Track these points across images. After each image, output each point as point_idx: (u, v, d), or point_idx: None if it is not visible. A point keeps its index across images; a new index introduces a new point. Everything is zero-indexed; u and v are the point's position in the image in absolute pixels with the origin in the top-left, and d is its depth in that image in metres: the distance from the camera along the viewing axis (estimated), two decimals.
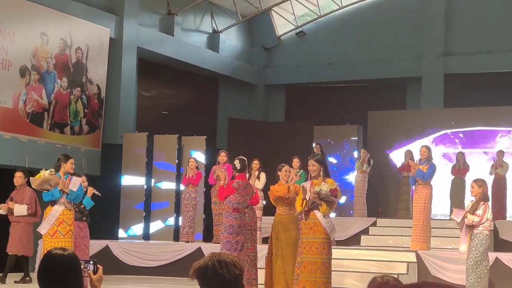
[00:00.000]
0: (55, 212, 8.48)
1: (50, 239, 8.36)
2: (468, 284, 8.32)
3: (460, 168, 13.38)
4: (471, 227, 8.26)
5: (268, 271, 8.42)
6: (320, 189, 7.35)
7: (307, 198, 7.43)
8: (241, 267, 2.48)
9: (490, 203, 8.67)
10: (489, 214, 8.30)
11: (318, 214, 7.44)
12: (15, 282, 9.87)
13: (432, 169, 10.70)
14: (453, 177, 13.57)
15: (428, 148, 10.93)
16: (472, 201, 8.53)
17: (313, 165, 7.46)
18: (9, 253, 9.93)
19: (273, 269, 8.34)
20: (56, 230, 8.48)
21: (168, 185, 13.62)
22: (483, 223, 8.25)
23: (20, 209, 9.86)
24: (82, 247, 8.85)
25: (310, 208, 7.46)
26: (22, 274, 10.03)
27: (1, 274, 10.03)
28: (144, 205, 13.65)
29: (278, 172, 8.72)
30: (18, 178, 10.00)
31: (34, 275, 11.37)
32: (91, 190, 9.15)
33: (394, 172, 14.98)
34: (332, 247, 7.81)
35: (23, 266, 10.08)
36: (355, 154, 15.44)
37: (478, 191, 8.35)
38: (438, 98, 16.59)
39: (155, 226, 13.56)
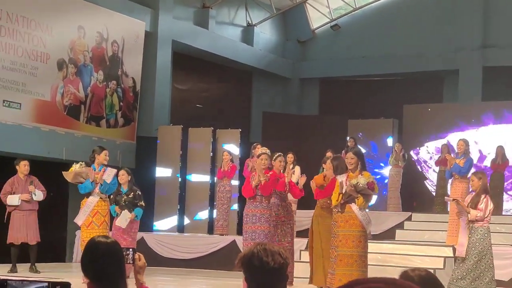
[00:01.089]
0: (90, 203, 8.61)
1: (86, 230, 8.51)
2: (470, 281, 7.95)
3: (499, 163, 13.12)
4: (473, 221, 7.95)
5: (311, 264, 8.43)
6: (357, 182, 7.30)
7: (343, 191, 7.38)
8: (286, 257, 2.48)
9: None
10: (490, 207, 8.02)
11: (354, 207, 7.39)
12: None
13: (469, 163, 10.52)
14: (491, 171, 13.33)
15: (466, 142, 10.75)
16: (471, 193, 8.30)
17: (352, 158, 7.43)
18: (31, 243, 9.63)
19: (314, 263, 8.34)
20: (91, 221, 8.60)
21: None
22: (486, 217, 7.98)
23: (39, 195, 9.80)
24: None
25: (346, 201, 7.41)
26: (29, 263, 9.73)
27: (12, 265, 9.72)
28: (178, 198, 13.75)
29: (323, 164, 8.82)
30: (28, 166, 9.84)
31: (71, 265, 11.53)
32: (127, 213, 9.01)
33: (430, 166, 14.78)
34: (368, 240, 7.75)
35: (31, 254, 9.72)
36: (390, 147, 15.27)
37: (478, 183, 8.07)
38: (476, 91, 16.26)
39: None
